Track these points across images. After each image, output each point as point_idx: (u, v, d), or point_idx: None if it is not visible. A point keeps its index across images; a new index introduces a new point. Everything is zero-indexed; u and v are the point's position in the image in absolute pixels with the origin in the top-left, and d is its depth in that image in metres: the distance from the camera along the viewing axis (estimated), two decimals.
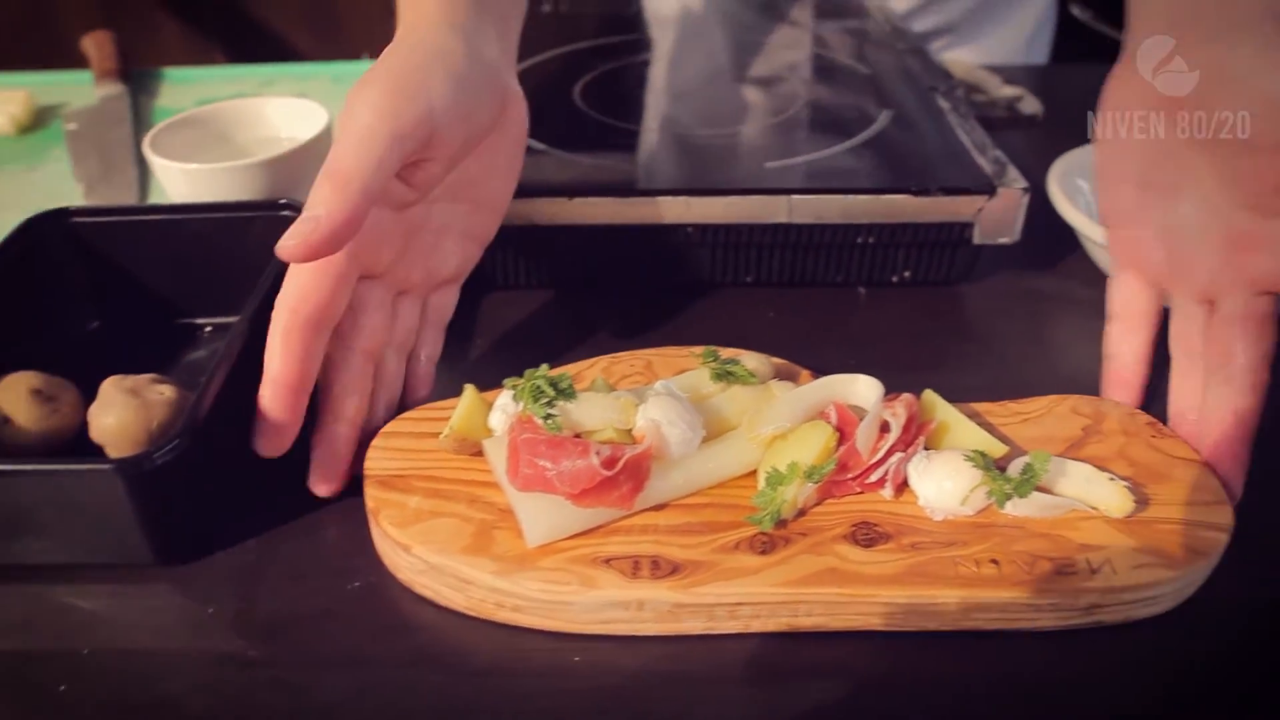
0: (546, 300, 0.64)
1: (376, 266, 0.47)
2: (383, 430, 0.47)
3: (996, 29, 1.03)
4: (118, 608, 0.43)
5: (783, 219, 0.60)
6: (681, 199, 0.59)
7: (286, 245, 0.40)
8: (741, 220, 0.60)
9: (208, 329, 0.60)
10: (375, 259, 0.46)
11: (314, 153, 0.64)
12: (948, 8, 1.00)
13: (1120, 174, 0.49)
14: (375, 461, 0.45)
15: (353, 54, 1.16)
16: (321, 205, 0.40)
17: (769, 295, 0.64)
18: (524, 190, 0.56)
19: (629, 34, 0.87)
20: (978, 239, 0.61)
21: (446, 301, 0.52)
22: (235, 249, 0.57)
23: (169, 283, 0.59)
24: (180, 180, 0.63)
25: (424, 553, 0.40)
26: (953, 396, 0.47)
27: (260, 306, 0.47)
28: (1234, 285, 0.46)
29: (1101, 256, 0.61)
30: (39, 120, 0.88)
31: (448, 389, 0.49)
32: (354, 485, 0.45)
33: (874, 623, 0.40)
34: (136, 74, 0.95)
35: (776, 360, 0.50)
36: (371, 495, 0.43)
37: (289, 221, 0.42)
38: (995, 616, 0.39)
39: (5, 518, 0.42)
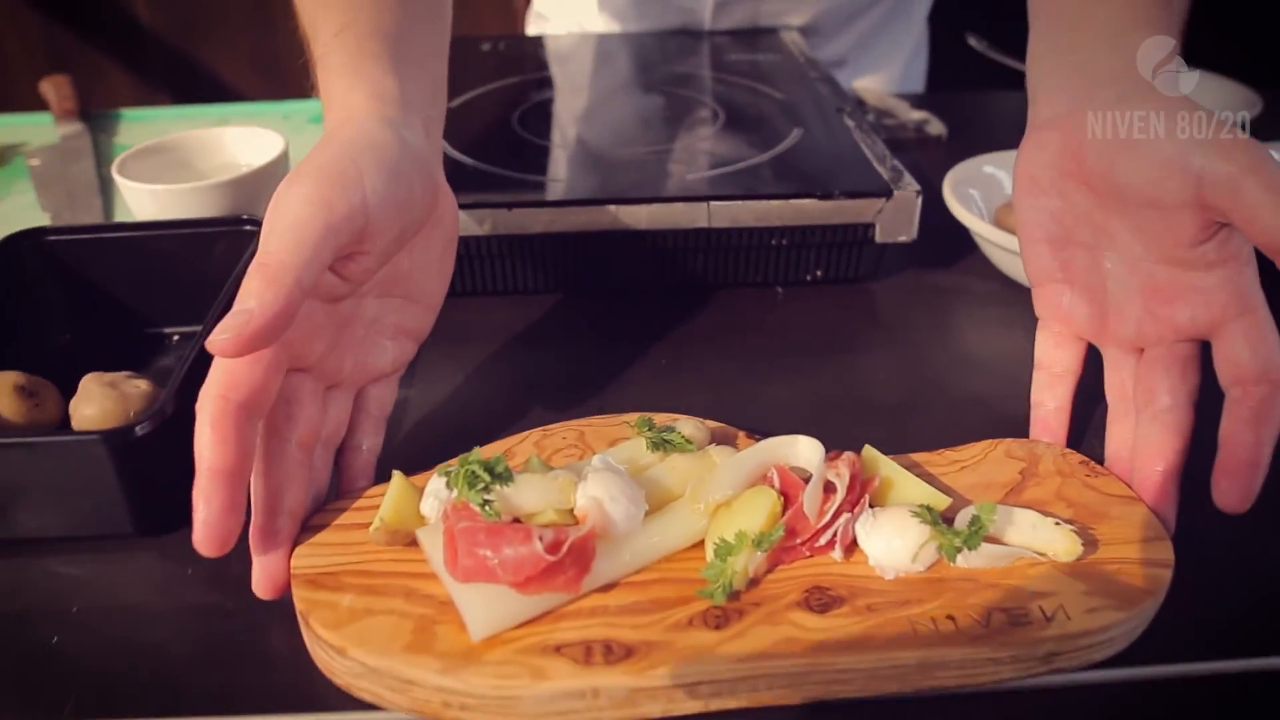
0: (488, 311, 0.66)
1: (307, 358, 0.44)
2: (308, 524, 0.44)
3: (877, 60, 1.10)
4: (103, 572, 0.46)
5: (703, 224, 0.64)
6: (610, 207, 0.63)
7: (218, 340, 0.37)
8: (665, 226, 0.64)
9: (174, 337, 0.63)
10: (306, 350, 0.44)
11: (271, 174, 0.68)
12: (835, 44, 1.06)
13: (1040, 235, 0.50)
14: (302, 559, 0.42)
15: (298, 95, 1.16)
16: (254, 298, 0.38)
17: (695, 297, 0.68)
18: (467, 204, 0.61)
19: (563, 66, 0.93)
20: (879, 238, 0.66)
21: (385, 395, 0.50)
22: (199, 262, 0.61)
23: (137, 295, 0.62)
24: (148, 201, 0.66)
25: (361, 655, 0.38)
26: (864, 390, 0.52)
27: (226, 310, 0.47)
28: (1158, 334, 0.46)
29: (993, 254, 0.67)
30: (2, 157, 0.88)
31: (379, 475, 0.46)
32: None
33: (834, 690, 0.38)
34: (94, 115, 0.96)
35: (711, 423, 0.49)
36: (300, 597, 0.40)
37: (249, 236, 0.49)
38: (955, 674, 0.38)
39: None
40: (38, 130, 0.93)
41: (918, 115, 0.90)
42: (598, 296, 0.68)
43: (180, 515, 0.45)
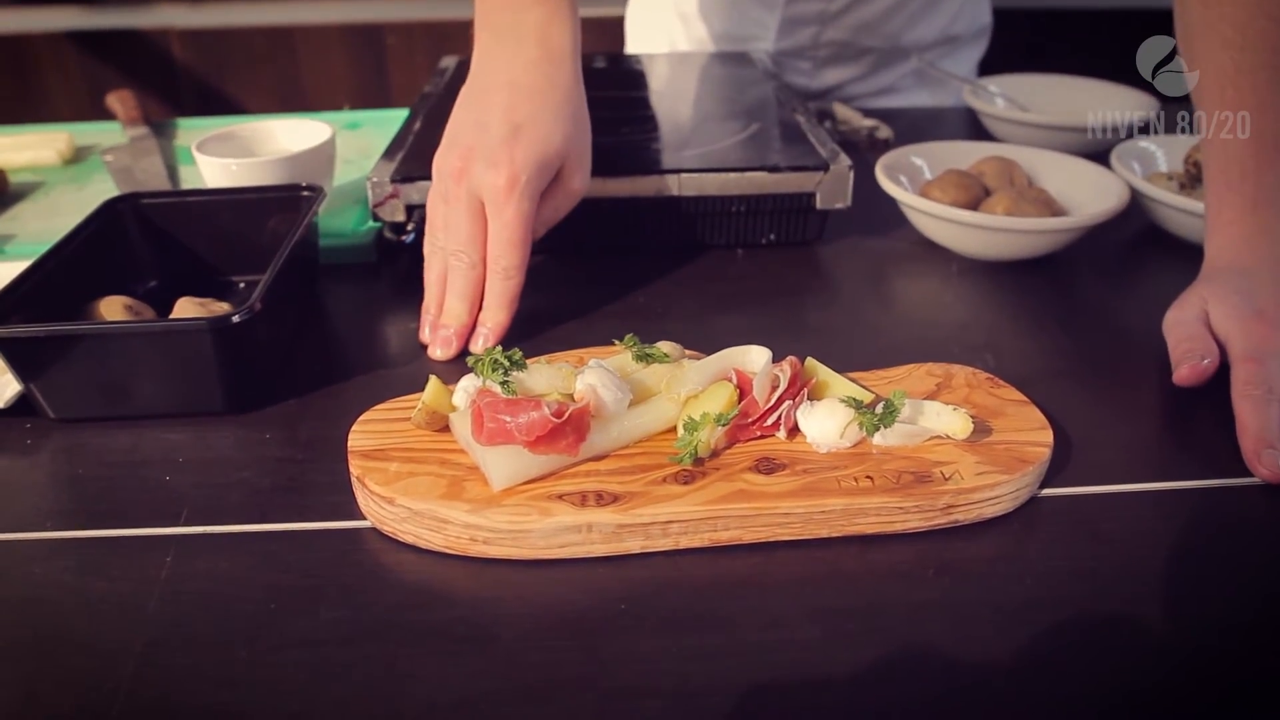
0: None
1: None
2: (360, 418, 0.54)
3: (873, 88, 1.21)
4: (201, 436, 0.57)
5: (674, 193, 0.75)
6: (598, 179, 0.73)
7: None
8: (643, 194, 0.75)
9: (241, 285, 0.73)
10: None
11: (323, 154, 0.79)
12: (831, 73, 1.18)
13: (1190, 325, 0.61)
14: (356, 440, 0.52)
15: None
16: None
17: (669, 256, 0.79)
18: None
19: None
20: (820, 204, 0.77)
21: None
22: (262, 223, 0.72)
23: (211, 249, 0.73)
24: (220, 174, 0.76)
25: (406, 502, 0.47)
26: (810, 324, 0.65)
27: (283, 265, 0.61)
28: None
29: (916, 219, 0.79)
30: (78, 156, 0.99)
31: (414, 384, 0.56)
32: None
33: (779, 533, 0.48)
34: (155, 123, 1.06)
35: (687, 350, 0.59)
36: (356, 464, 0.50)
37: (305, 200, 0.68)
38: (872, 520, 0.48)
39: (117, 376, 0.56)
40: (108, 136, 1.03)
41: (869, 123, 1.01)
42: (588, 256, 0.79)
43: (259, 397, 0.59)
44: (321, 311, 0.72)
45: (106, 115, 1.09)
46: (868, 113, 1.07)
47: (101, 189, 0.89)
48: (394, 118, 1.05)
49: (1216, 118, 0.65)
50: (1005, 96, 1.05)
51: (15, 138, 0.98)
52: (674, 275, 0.76)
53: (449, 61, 1.08)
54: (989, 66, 1.11)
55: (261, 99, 2.13)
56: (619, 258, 0.79)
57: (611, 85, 1.04)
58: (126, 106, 1.05)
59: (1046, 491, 0.52)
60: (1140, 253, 0.80)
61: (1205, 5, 0.65)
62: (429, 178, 0.73)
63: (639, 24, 1.30)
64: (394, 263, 0.79)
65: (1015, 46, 1.34)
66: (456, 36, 2.09)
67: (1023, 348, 0.66)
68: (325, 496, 0.52)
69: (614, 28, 1.45)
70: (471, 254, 0.64)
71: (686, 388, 0.52)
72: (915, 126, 1.07)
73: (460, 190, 0.63)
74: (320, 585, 0.46)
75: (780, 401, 0.51)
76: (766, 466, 0.49)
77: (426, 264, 0.67)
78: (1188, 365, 0.58)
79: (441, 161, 0.65)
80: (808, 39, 1.15)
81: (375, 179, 0.75)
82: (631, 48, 1.32)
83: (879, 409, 0.51)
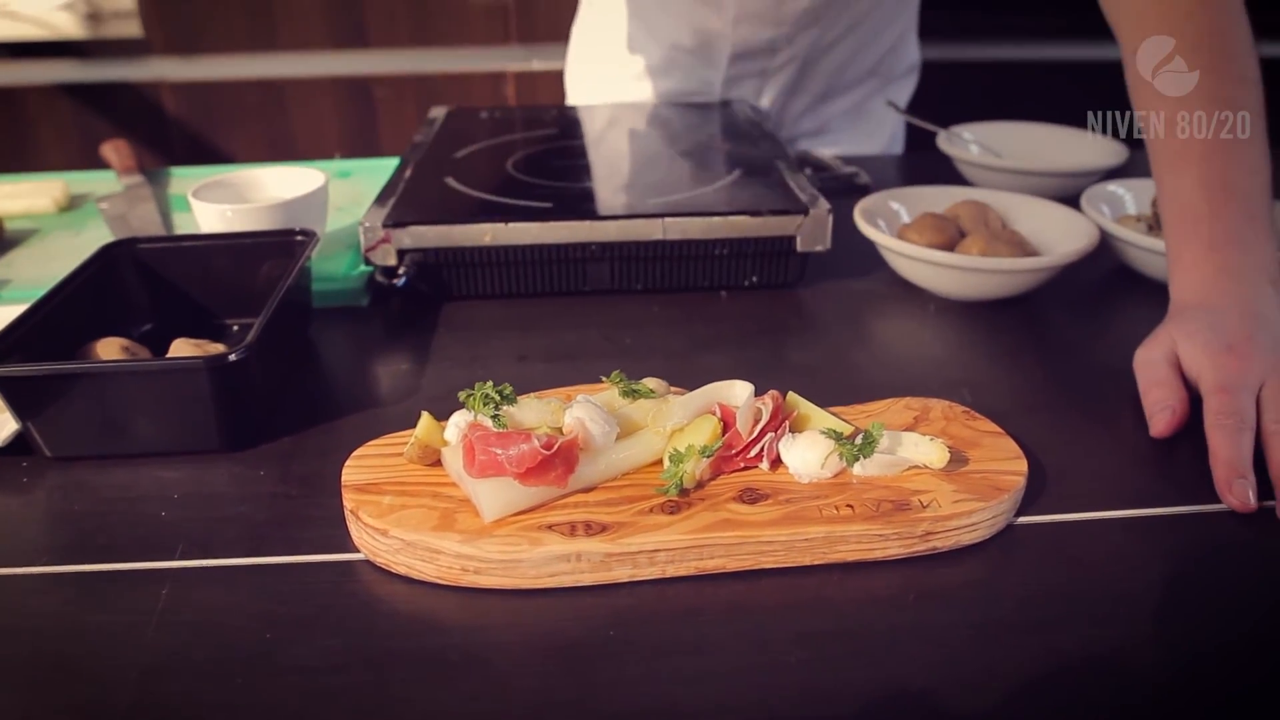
0: (490, 310, 0.80)
1: None
2: (354, 454, 0.55)
3: (857, 135, 1.25)
4: (196, 474, 0.58)
5: (659, 236, 0.77)
6: (586, 222, 0.77)
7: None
8: (630, 238, 0.77)
9: (235, 327, 0.75)
10: None
11: (316, 200, 0.81)
12: (817, 116, 1.23)
13: (1158, 369, 0.64)
14: (350, 475, 0.53)
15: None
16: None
17: (655, 298, 0.81)
18: (474, 214, 0.77)
19: (546, 129, 1.06)
20: (800, 247, 0.79)
21: None
22: (256, 267, 0.73)
23: (206, 293, 0.75)
24: (216, 219, 0.78)
25: (399, 533, 0.48)
26: (791, 362, 0.66)
27: (278, 308, 0.63)
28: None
29: (895, 261, 0.80)
30: (73, 204, 1.01)
31: (405, 423, 0.57)
32: None
33: (763, 561, 0.49)
34: (148, 171, 1.08)
35: (672, 387, 0.61)
36: (350, 498, 0.51)
37: (298, 245, 0.68)
38: (853, 547, 0.49)
39: (114, 414, 0.58)
40: (102, 184, 1.05)
41: (849, 169, 1.04)
42: (577, 297, 0.81)
43: (254, 434, 0.60)
44: (314, 353, 0.73)
45: (100, 165, 1.11)
46: (846, 160, 1.10)
47: (97, 236, 0.91)
48: (385, 166, 1.07)
49: (1169, 165, 0.69)
50: (979, 143, 1.08)
51: (11, 186, 1.00)
52: (660, 316, 0.78)
53: (438, 112, 1.10)
54: (961, 115, 1.14)
55: (253, 149, 2.17)
56: (607, 300, 0.80)
57: (597, 132, 1.07)
58: (121, 155, 1.07)
59: (1022, 519, 0.53)
60: (1111, 292, 0.83)
61: (1149, 49, 0.69)
62: (419, 223, 0.76)
63: (580, 82, 1.33)
64: (385, 306, 0.80)
65: (989, 95, 1.37)
66: (443, 89, 2.13)
67: (998, 383, 0.68)
68: (319, 530, 0.53)
69: (553, 80, 1.49)
70: None
71: (672, 421, 0.53)
72: (892, 173, 1.10)
73: None
74: (315, 615, 0.47)
75: (763, 434, 0.52)
76: (750, 496, 0.51)
77: None
78: (1161, 418, 0.60)
79: None
80: (750, 91, 1.19)
81: (368, 224, 0.77)
82: (573, 101, 1.35)
83: (858, 440, 0.52)
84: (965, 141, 1.08)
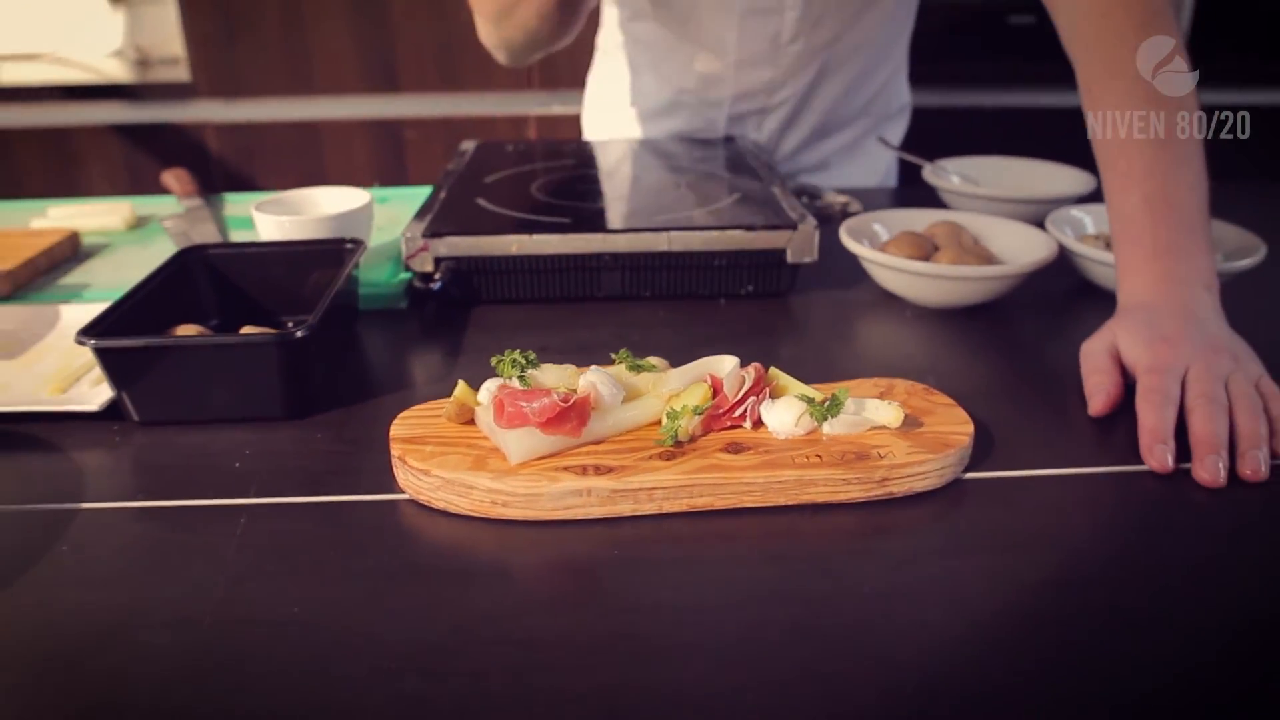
0: (514, 313, 0.89)
1: None
2: (398, 416, 0.64)
3: (855, 170, 1.36)
4: (263, 436, 0.68)
5: (664, 248, 0.87)
6: (599, 235, 0.87)
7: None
8: (639, 249, 0.87)
9: (290, 324, 0.83)
10: None
11: (363, 215, 0.93)
12: (815, 152, 1.34)
13: (1099, 357, 0.73)
14: (397, 430, 0.62)
15: None
16: None
17: (663, 304, 0.91)
18: (502, 228, 0.88)
19: (565, 159, 1.17)
20: (790, 259, 0.88)
21: None
22: (311, 271, 0.84)
23: (266, 293, 0.85)
24: (275, 230, 0.89)
25: (439, 472, 0.58)
26: (781, 356, 0.74)
27: (332, 301, 0.72)
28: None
29: (877, 273, 0.89)
30: (140, 223, 1.12)
31: (442, 390, 0.67)
32: None
33: (744, 500, 0.58)
34: (206, 197, 1.19)
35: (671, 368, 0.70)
36: (397, 447, 0.60)
37: (349, 251, 0.77)
38: (821, 489, 0.58)
39: (194, 383, 0.68)
40: (163, 207, 1.16)
41: (842, 199, 1.14)
42: (591, 302, 0.91)
43: (311, 405, 0.70)
44: (360, 345, 0.83)
45: (159, 192, 1.22)
46: (842, 191, 1.20)
47: (162, 249, 1.02)
48: (418, 194, 1.18)
49: (1116, 184, 0.79)
50: (960, 174, 1.18)
51: (84, 206, 1.11)
52: (664, 319, 0.88)
53: (468, 144, 1.21)
54: (948, 153, 1.24)
55: (289, 186, 2.29)
56: (618, 305, 0.90)
57: (611, 162, 1.18)
58: (182, 182, 1.18)
59: (970, 475, 0.62)
60: (1071, 302, 0.92)
61: (1101, 84, 0.80)
62: (455, 234, 0.86)
63: (595, 124, 1.45)
64: (422, 308, 0.90)
65: (974, 136, 1.48)
66: (469, 131, 2.26)
67: (960, 373, 0.77)
68: (369, 477, 0.62)
69: (572, 123, 1.61)
70: None
71: (669, 387, 0.63)
72: (884, 202, 1.20)
73: None
74: (367, 538, 0.57)
75: (746, 397, 0.62)
76: (734, 448, 0.60)
77: None
78: (1098, 399, 0.70)
79: None
80: (751, 127, 1.31)
81: (409, 234, 0.87)
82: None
83: (828, 404, 0.61)
84: (948, 173, 1.18)
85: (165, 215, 1.11)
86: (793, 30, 1.18)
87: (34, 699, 0.46)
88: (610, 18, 1.33)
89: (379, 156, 2.31)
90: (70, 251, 1.01)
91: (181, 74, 2.22)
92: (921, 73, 1.41)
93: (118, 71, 2.36)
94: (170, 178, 1.20)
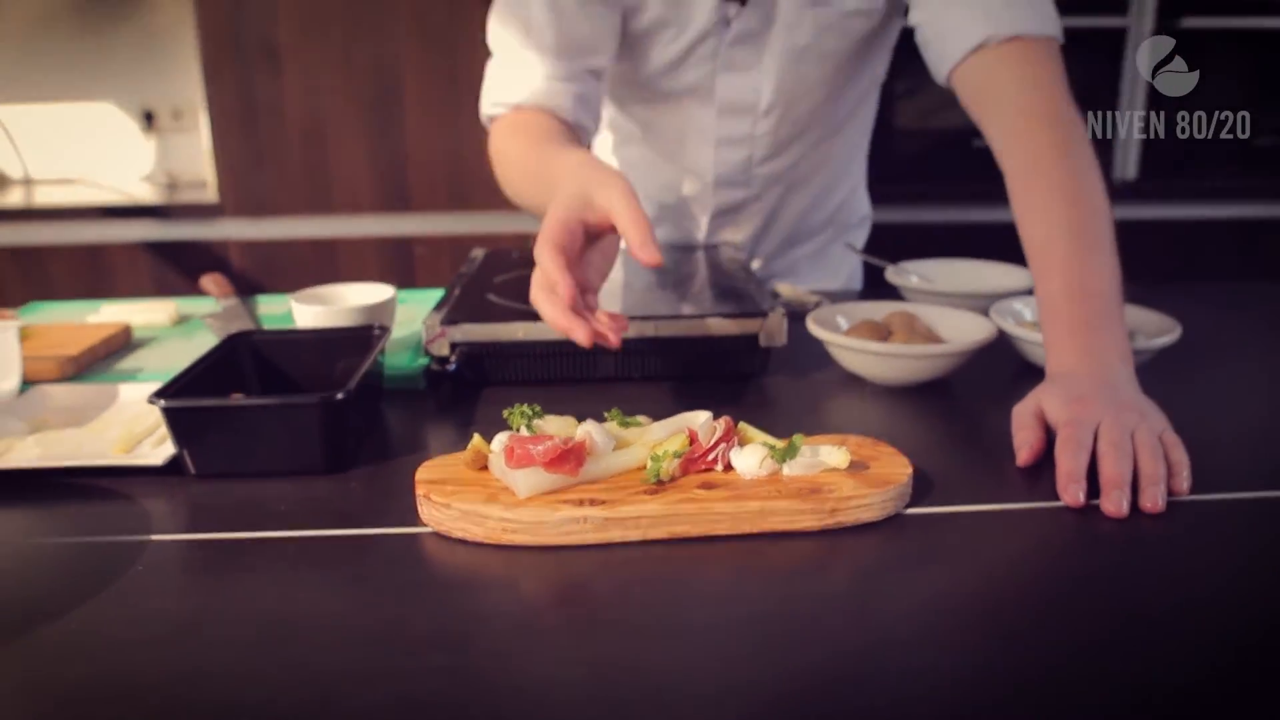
0: (520, 393, 0.94)
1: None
2: (422, 465, 0.75)
3: (822, 275, 1.50)
4: (304, 486, 0.78)
5: (651, 334, 0.98)
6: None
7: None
8: (629, 335, 0.97)
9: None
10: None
11: (388, 307, 1.06)
12: (785, 259, 1.48)
13: (1025, 417, 0.85)
14: (422, 474, 0.73)
15: None
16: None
17: (649, 385, 1.01)
18: (509, 318, 1.00)
19: None
20: (763, 343, 1.00)
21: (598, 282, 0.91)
22: (341, 354, 0.94)
23: (302, 372, 0.95)
24: (310, 318, 1.02)
25: (458, 505, 0.68)
26: (752, 421, 0.80)
27: (362, 380, 0.82)
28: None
29: (838, 354, 1.01)
30: (183, 320, 1.25)
31: (459, 444, 0.78)
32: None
33: (716, 528, 0.69)
34: (241, 298, 1.32)
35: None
36: (422, 487, 0.71)
37: (377, 336, 0.86)
38: (781, 519, 0.69)
39: (245, 440, 0.79)
40: (202, 307, 1.30)
41: (813, 298, 1.27)
42: (587, 383, 1.02)
43: (347, 462, 0.80)
44: (384, 418, 0.95)
45: (197, 294, 1.35)
46: (811, 291, 1.34)
47: (204, 341, 1.14)
48: (433, 295, 1.31)
49: (1040, 273, 0.92)
50: (918, 274, 1.32)
51: (133, 305, 1.24)
52: (649, 396, 0.99)
53: (478, 252, 1.35)
54: (908, 255, 1.38)
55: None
56: (611, 385, 1.02)
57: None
58: (219, 285, 1.32)
59: (911, 510, 0.73)
60: (1012, 380, 1.04)
61: (1026, 191, 0.94)
62: (468, 321, 0.99)
63: None
64: (438, 389, 1.02)
65: (928, 246, 1.62)
66: (476, 245, 2.42)
67: (908, 435, 0.88)
68: (397, 514, 0.73)
69: None
70: None
71: (653, 437, 0.74)
72: (848, 301, 1.33)
73: None
74: (396, 558, 0.67)
75: (718, 444, 0.73)
76: (708, 486, 0.71)
77: None
78: (1023, 452, 0.81)
79: None
80: (729, 235, 1.45)
81: (428, 322, 0.99)
82: None
83: (786, 448, 0.73)
84: (908, 273, 1.32)
85: (205, 313, 1.24)
86: (762, 155, 1.34)
87: (119, 679, 0.56)
88: (604, 143, 1.49)
89: (391, 271, 2.46)
90: (124, 342, 1.13)
91: (209, 195, 2.40)
92: (892, 193, 1.58)
93: (148, 194, 2.54)
94: (209, 282, 1.34)
